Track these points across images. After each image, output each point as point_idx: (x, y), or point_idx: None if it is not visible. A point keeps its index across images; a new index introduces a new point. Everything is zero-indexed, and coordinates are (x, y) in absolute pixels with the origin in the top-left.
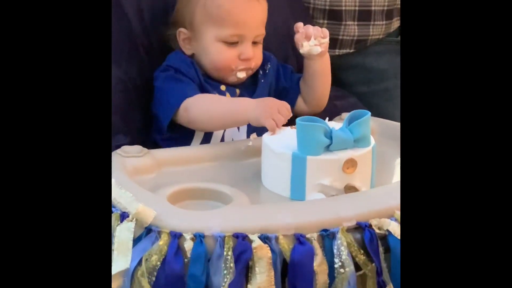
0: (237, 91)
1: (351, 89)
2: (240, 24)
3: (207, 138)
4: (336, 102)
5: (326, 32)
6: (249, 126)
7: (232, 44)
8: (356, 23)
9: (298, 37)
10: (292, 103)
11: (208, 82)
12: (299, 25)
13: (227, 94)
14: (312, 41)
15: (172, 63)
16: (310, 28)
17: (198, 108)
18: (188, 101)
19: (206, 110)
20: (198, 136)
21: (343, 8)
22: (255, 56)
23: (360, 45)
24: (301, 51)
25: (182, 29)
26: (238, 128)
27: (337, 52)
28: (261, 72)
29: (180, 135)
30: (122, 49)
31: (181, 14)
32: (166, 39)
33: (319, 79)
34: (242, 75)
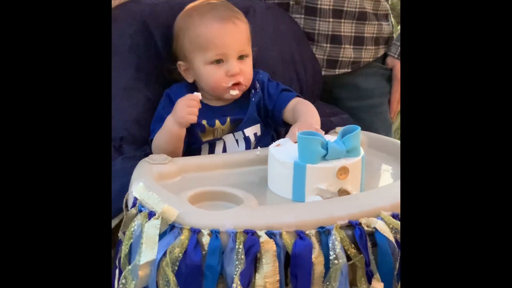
0: (228, 119)
1: (343, 104)
2: (220, 46)
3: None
4: (332, 118)
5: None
6: (247, 144)
7: (218, 63)
8: (352, 47)
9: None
10: (279, 119)
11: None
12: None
13: (217, 122)
14: None
15: (171, 93)
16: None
17: (157, 151)
18: (152, 149)
19: (159, 148)
20: (204, 150)
21: (342, 34)
22: (242, 71)
23: (355, 66)
24: None
25: (180, 62)
26: (237, 144)
27: (337, 71)
28: (253, 91)
29: (190, 150)
30: (151, 73)
31: (177, 50)
32: (171, 72)
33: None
34: (235, 92)
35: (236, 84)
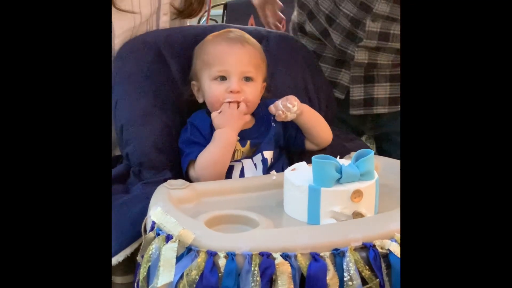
0: (248, 142)
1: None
2: (224, 62)
3: (228, 177)
4: (346, 144)
5: (292, 99)
6: (264, 167)
7: (221, 81)
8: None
9: (277, 117)
10: (302, 144)
11: None
12: (271, 109)
13: (237, 144)
14: (291, 113)
15: (194, 120)
16: (279, 104)
17: (202, 168)
18: (196, 169)
19: (207, 164)
20: None
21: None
22: (244, 90)
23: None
24: (285, 121)
25: (193, 82)
26: (256, 167)
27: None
28: (272, 117)
29: None
30: (167, 99)
31: (191, 71)
32: (190, 95)
33: (310, 127)
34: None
35: (235, 102)
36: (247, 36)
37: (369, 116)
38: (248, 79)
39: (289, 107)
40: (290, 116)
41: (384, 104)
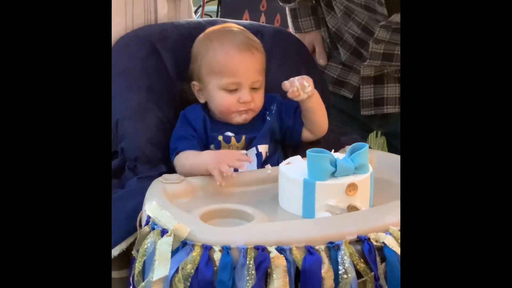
0: (243, 137)
1: None
2: (236, 74)
3: None
4: (341, 138)
5: (308, 79)
6: (258, 161)
7: (232, 91)
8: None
9: (290, 93)
10: (299, 134)
11: (215, 130)
12: (286, 84)
13: (233, 139)
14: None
15: (187, 113)
16: (295, 81)
17: (179, 166)
18: (175, 160)
19: (183, 166)
20: None
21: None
22: (254, 99)
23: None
24: (296, 99)
25: (194, 82)
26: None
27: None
28: (267, 112)
29: None
30: (162, 94)
31: (193, 71)
32: (185, 92)
33: (314, 113)
34: (241, 118)
35: (245, 111)
36: (253, 38)
37: (378, 114)
38: (256, 87)
39: (305, 86)
40: (302, 96)
41: (394, 104)
